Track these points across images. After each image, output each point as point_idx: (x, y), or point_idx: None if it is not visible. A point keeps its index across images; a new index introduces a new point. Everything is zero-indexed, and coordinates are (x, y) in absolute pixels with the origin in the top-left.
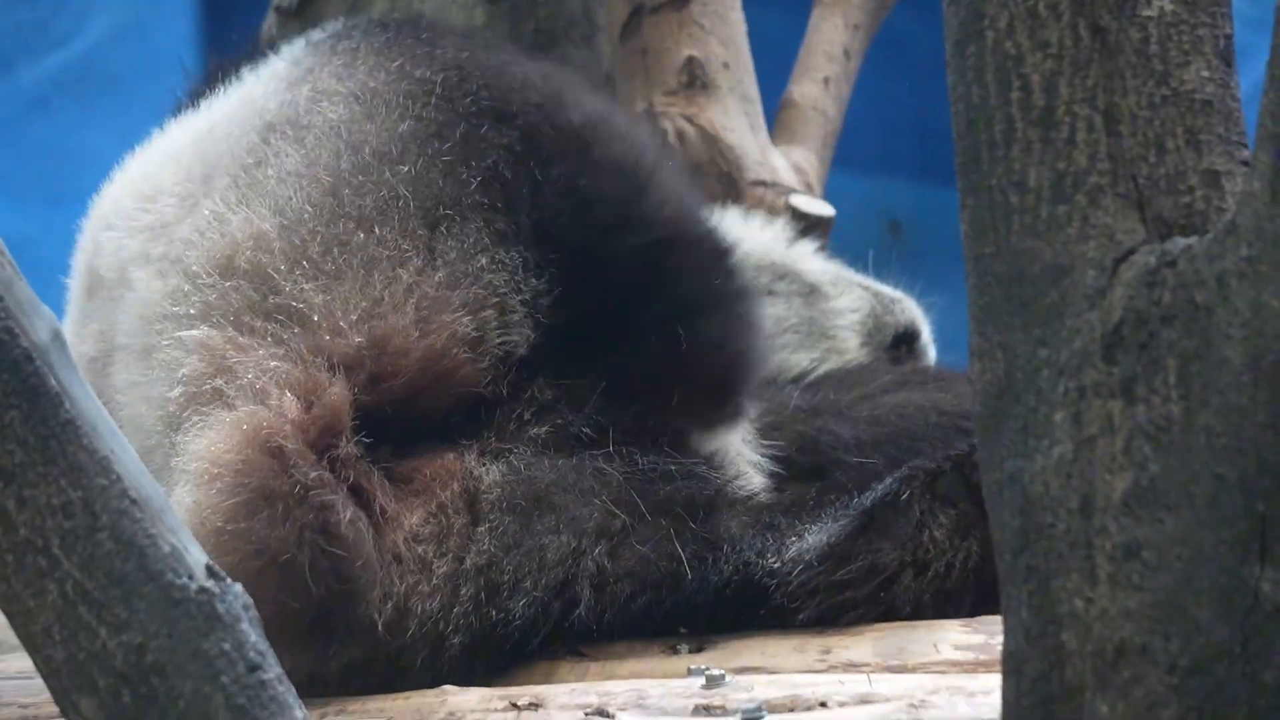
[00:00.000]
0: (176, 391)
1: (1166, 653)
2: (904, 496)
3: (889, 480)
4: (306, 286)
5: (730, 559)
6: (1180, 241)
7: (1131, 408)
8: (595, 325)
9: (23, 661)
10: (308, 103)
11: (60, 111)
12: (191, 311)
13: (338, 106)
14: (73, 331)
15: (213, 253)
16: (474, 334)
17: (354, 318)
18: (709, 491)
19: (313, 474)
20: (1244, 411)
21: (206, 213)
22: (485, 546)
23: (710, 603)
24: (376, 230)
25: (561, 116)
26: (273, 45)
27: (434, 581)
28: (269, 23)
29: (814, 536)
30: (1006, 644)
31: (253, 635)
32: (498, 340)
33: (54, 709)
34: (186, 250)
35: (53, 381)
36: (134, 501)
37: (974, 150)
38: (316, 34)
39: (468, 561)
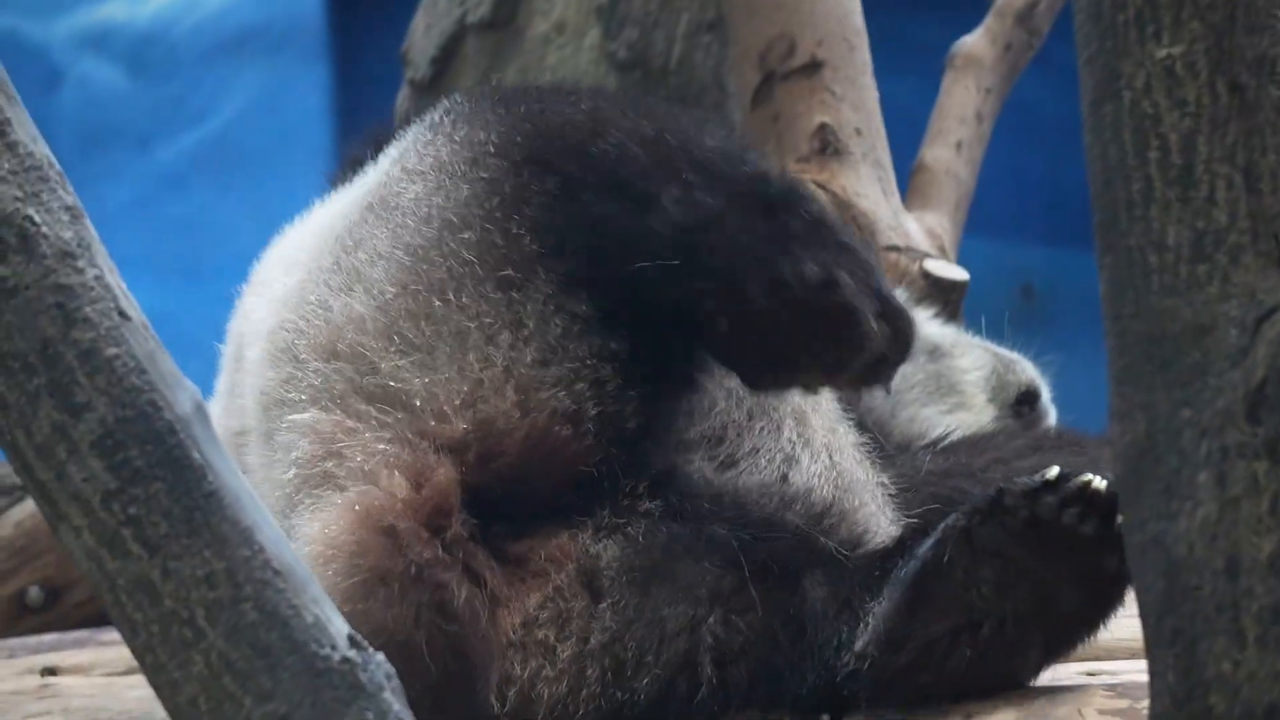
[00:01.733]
0: (290, 474)
1: None
2: (945, 559)
3: (926, 546)
4: (402, 364)
5: (813, 649)
6: None
7: (1277, 468)
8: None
9: None
10: (395, 182)
11: (197, 188)
12: (302, 397)
13: (415, 183)
14: (221, 405)
15: (317, 338)
16: (572, 408)
17: (457, 403)
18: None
19: (426, 553)
20: None
21: (312, 299)
22: (607, 624)
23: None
24: (454, 299)
25: (595, 145)
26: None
27: (559, 665)
28: (403, 95)
29: (874, 622)
30: (1153, 707)
31: (395, 705)
32: (594, 411)
33: None
34: (295, 338)
35: (196, 454)
36: (277, 572)
37: (1112, 210)
38: (431, 110)
39: (592, 641)
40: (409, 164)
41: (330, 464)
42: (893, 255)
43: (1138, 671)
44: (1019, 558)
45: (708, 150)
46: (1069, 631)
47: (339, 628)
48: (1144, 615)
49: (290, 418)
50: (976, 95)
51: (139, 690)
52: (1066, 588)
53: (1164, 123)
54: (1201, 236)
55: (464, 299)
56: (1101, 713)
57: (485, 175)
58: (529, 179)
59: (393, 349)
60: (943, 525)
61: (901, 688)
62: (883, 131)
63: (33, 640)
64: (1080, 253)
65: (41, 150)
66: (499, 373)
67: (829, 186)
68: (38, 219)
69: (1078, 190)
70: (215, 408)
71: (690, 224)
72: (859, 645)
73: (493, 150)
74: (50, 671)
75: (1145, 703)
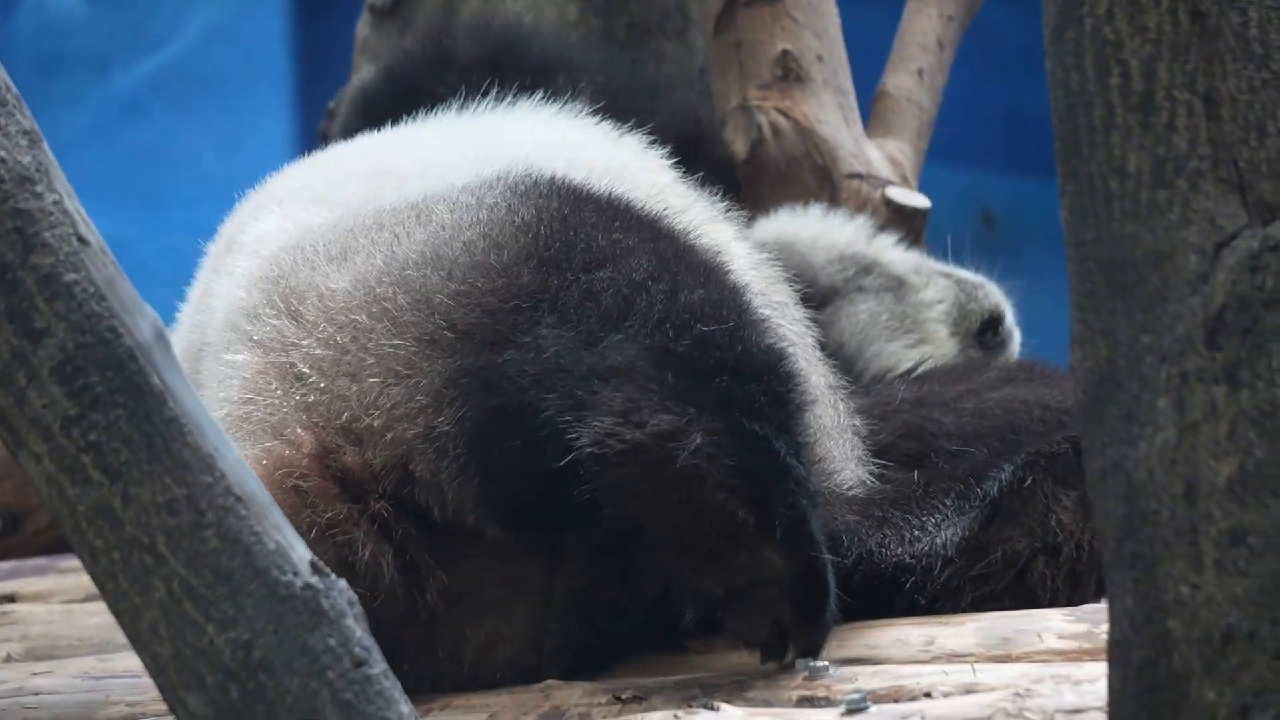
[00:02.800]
0: (224, 411)
1: (1274, 638)
2: (1027, 483)
3: (1010, 467)
4: (342, 358)
5: (852, 551)
6: None
7: (1235, 393)
8: None
9: (129, 660)
10: (447, 202)
11: (156, 115)
12: (253, 337)
13: (460, 216)
14: (191, 309)
15: (290, 288)
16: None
17: (377, 415)
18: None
19: (330, 512)
20: None
21: (308, 247)
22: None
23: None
24: (412, 331)
25: (591, 276)
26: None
27: (515, 625)
28: (363, 22)
29: (946, 530)
30: (1112, 632)
31: (358, 631)
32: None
33: (161, 707)
34: (278, 277)
35: (156, 380)
36: (239, 499)
37: (1073, 137)
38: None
39: (557, 597)
40: (469, 199)
41: (250, 408)
42: (854, 182)
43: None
44: None
45: (685, 303)
46: None
47: (301, 554)
48: (1104, 539)
49: (230, 357)
50: (938, 22)
51: (99, 617)
52: None
53: (1125, 49)
54: (1162, 163)
55: (411, 335)
56: (1060, 636)
57: (498, 256)
58: (521, 271)
59: (341, 337)
60: (1026, 450)
61: (970, 591)
62: (845, 58)
63: None
64: (1041, 181)
65: None
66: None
67: (791, 114)
68: None
69: (1039, 118)
70: (185, 311)
71: (588, 374)
72: (923, 546)
73: (523, 244)
74: (9, 599)
75: (1104, 625)
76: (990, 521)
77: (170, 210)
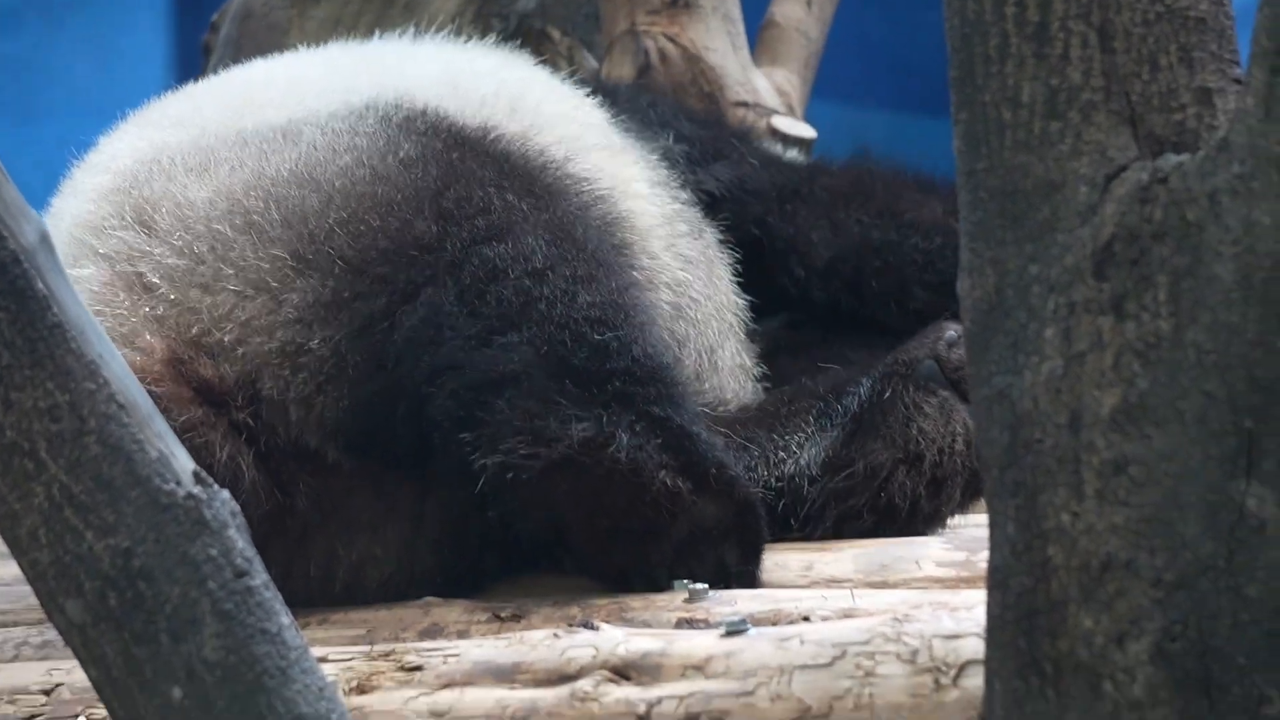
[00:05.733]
0: None
1: (1151, 567)
2: (887, 394)
3: (870, 380)
4: (198, 269)
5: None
6: (1172, 158)
7: (1121, 324)
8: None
9: (2, 569)
10: (317, 125)
11: (30, 28)
12: (98, 250)
13: (333, 139)
14: None
15: (142, 198)
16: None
17: (229, 329)
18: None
19: (182, 416)
20: (1233, 329)
21: (164, 160)
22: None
23: None
24: (274, 245)
25: (490, 247)
26: None
27: (387, 545)
28: None
29: (810, 449)
30: (992, 558)
31: (240, 541)
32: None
33: (34, 615)
34: (130, 189)
35: (40, 285)
36: (121, 406)
37: (968, 65)
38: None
39: (426, 521)
40: (340, 125)
41: (97, 321)
42: (741, 111)
43: (973, 527)
44: (955, 398)
45: (581, 306)
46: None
47: (183, 464)
48: (986, 467)
49: (75, 272)
50: None
51: None
52: None
53: None
54: (1055, 93)
55: (280, 251)
56: (938, 564)
57: (386, 190)
58: (413, 218)
59: (198, 246)
60: (883, 362)
61: (834, 507)
62: None
63: None
64: (921, 118)
65: None
66: (271, 323)
67: (678, 40)
68: None
69: (921, 59)
70: None
71: (482, 381)
72: (788, 467)
73: (410, 183)
74: None
75: (982, 554)
76: (852, 437)
77: (43, 124)
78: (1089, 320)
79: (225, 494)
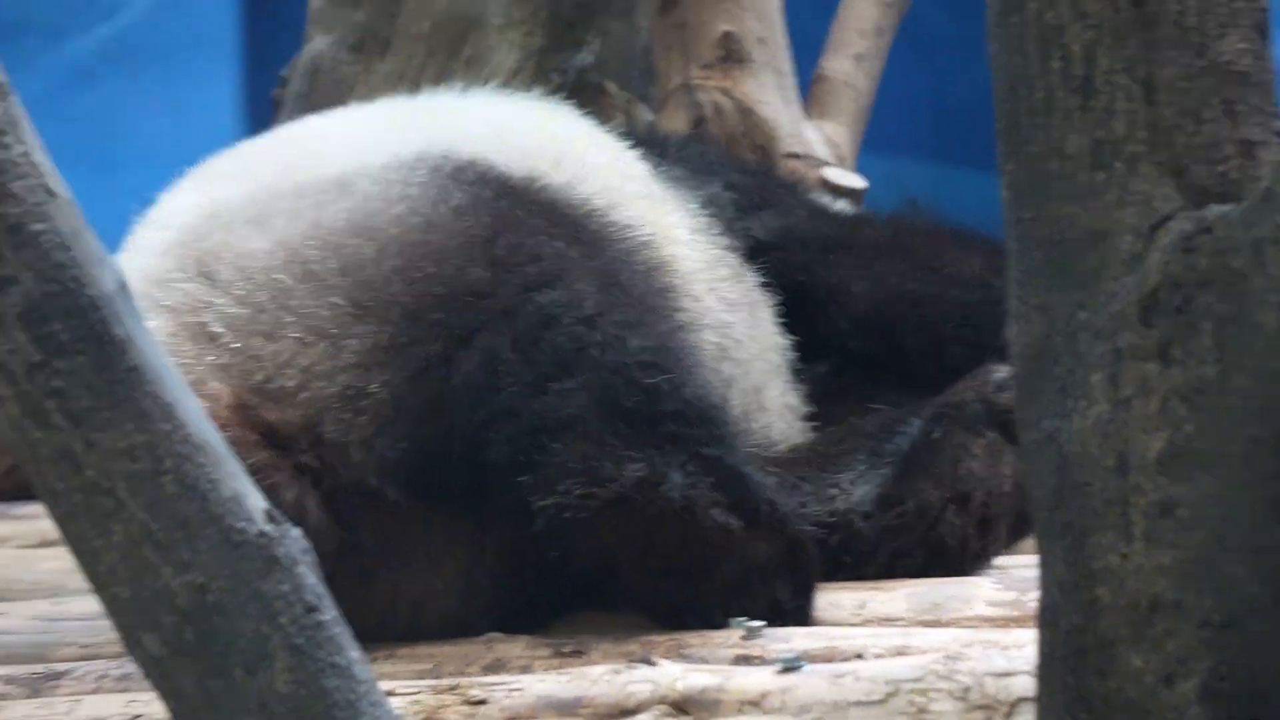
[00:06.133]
0: None
1: (1199, 608)
2: (936, 434)
3: (919, 421)
4: (257, 317)
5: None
6: (1216, 209)
7: (1168, 370)
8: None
9: (83, 604)
10: (369, 177)
11: (107, 82)
12: (162, 303)
13: (385, 190)
14: None
15: (204, 250)
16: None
17: (292, 375)
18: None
19: (250, 459)
20: (1277, 374)
21: (224, 214)
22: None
23: None
24: (331, 293)
25: (541, 294)
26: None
27: (449, 578)
28: None
29: (861, 487)
30: (1042, 598)
31: (310, 578)
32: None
33: (114, 649)
34: (191, 242)
35: (119, 330)
36: (197, 447)
37: (1014, 117)
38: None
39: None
40: (393, 176)
41: None
42: (792, 162)
43: (1023, 568)
44: (1002, 440)
45: (632, 351)
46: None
47: (256, 502)
48: (1036, 510)
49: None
50: (877, 9)
51: (53, 562)
52: None
53: (1067, 34)
54: (1100, 145)
55: (338, 298)
56: (989, 603)
57: (439, 238)
58: (466, 264)
59: (259, 295)
60: (932, 406)
61: (886, 544)
62: (785, 41)
63: None
64: (964, 169)
65: None
66: (331, 368)
67: (732, 94)
68: None
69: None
70: None
71: (538, 426)
72: (839, 504)
73: (462, 231)
74: None
75: (1032, 594)
76: (903, 475)
77: (119, 176)
78: (1135, 366)
79: (296, 532)
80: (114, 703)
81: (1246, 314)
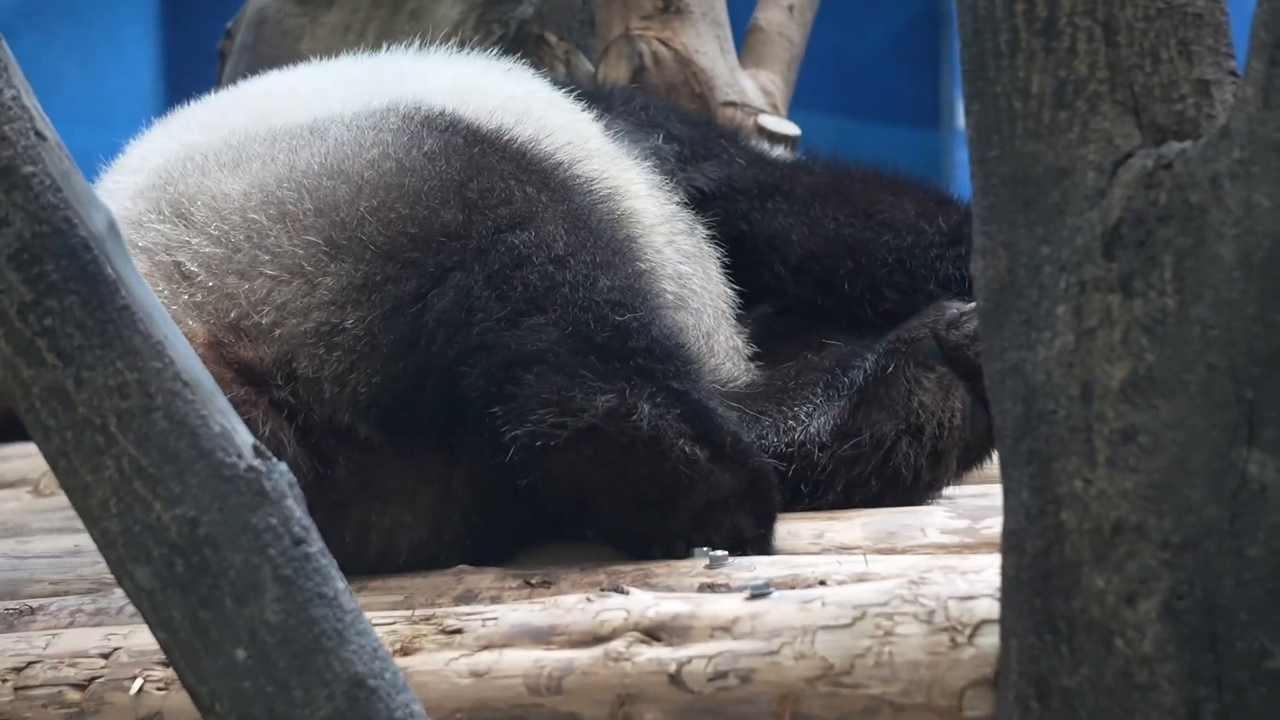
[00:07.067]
0: None
1: (1159, 530)
2: (890, 369)
3: (873, 355)
4: (234, 257)
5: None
6: (1176, 145)
7: (1129, 301)
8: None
9: (47, 543)
10: (344, 124)
11: (26, 40)
12: (136, 244)
13: (359, 135)
14: None
15: (179, 193)
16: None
17: (266, 311)
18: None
19: (227, 394)
20: (1235, 305)
21: (198, 157)
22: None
23: None
24: (307, 231)
25: (513, 235)
26: None
27: (418, 511)
28: None
29: (818, 418)
30: (1007, 523)
31: (297, 511)
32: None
33: (84, 584)
34: (165, 185)
35: (109, 269)
36: (186, 384)
37: (979, 59)
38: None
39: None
40: (365, 123)
41: None
42: (729, 110)
43: (972, 497)
44: (952, 375)
45: (602, 290)
46: (980, 447)
47: (244, 438)
48: (1001, 437)
49: None
50: None
51: (11, 504)
52: (981, 407)
53: None
54: (1063, 85)
55: (314, 237)
56: (943, 531)
57: (413, 181)
58: (440, 206)
59: (235, 235)
60: (885, 340)
61: (842, 474)
62: None
63: None
64: (859, 124)
65: None
66: (306, 305)
67: (670, 44)
68: None
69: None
70: None
71: (511, 359)
72: (797, 435)
73: (435, 174)
74: None
75: (984, 521)
76: (858, 408)
77: None
78: (1099, 298)
79: (283, 466)
80: (91, 636)
81: (1205, 247)
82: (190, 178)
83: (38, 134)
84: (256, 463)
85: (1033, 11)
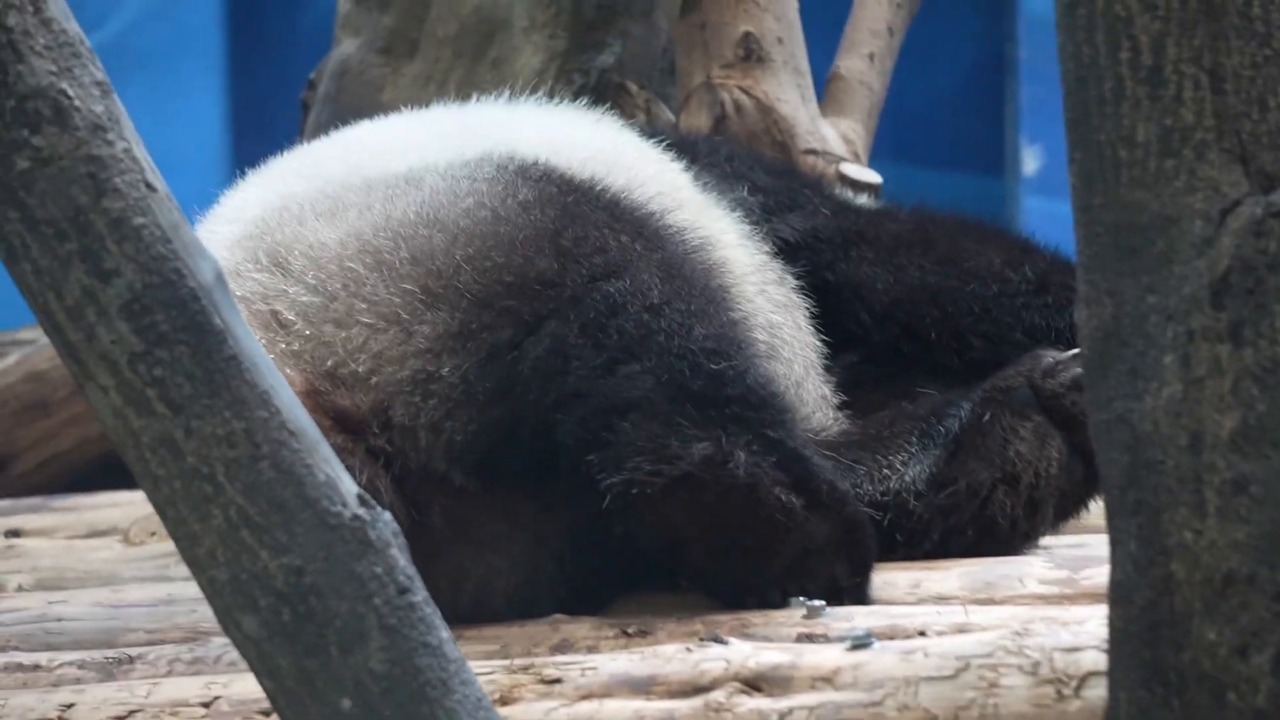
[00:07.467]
0: None
1: (1272, 582)
2: (985, 418)
3: (969, 404)
4: (331, 306)
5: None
6: None
7: (1239, 350)
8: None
9: (141, 591)
10: (437, 174)
11: None
12: (237, 293)
13: (454, 185)
14: None
15: (276, 243)
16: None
17: (362, 360)
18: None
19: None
20: None
21: (294, 208)
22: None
23: None
24: (400, 280)
25: (608, 284)
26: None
27: (512, 559)
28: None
29: (914, 467)
30: (1114, 573)
31: (401, 560)
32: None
33: (180, 633)
34: (262, 235)
35: (217, 320)
36: (292, 433)
37: (1083, 107)
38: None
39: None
40: (460, 172)
41: None
42: (810, 158)
43: (1069, 547)
44: (1048, 424)
45: (697, 338)
46: (1077, 496)
47: (349, 487)
48: (1107, 488)
49: None
50: (889, 9)
51: (103, 552)
52: (1077, 457)
53: (1135, 25)
54: (1169, 133)
55: (410, 285)
56: (1042, 581)
57: (508, 230)
58: (534, 255)
59: (331, 284)
60: (980, 389)
61: (938, 523)
62: (802, 41)
63: None
64: (920, 170)
65: (73, 27)
66: (402, 353)
67: (752, 92)
68: (71, 93)
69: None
70: None
71: (607, 407)
72: (893, 484)
73: (530, 223)
74: (14, 534)
75: (1084, 571)
76: (953, 456)
77: None
78: (1207, 347)
79: (387, 515)
80: (192, 685)
81: None
82: (287, 227)
83: (148, 185)
84: (361, 511)
85: (1138, 59)
